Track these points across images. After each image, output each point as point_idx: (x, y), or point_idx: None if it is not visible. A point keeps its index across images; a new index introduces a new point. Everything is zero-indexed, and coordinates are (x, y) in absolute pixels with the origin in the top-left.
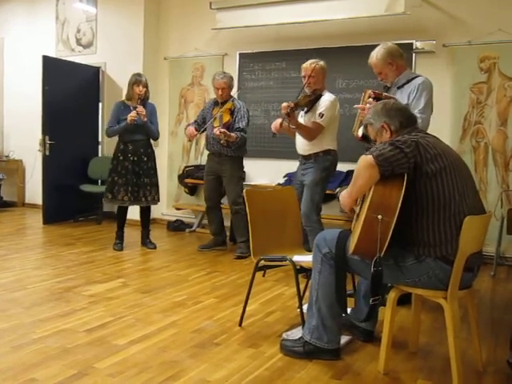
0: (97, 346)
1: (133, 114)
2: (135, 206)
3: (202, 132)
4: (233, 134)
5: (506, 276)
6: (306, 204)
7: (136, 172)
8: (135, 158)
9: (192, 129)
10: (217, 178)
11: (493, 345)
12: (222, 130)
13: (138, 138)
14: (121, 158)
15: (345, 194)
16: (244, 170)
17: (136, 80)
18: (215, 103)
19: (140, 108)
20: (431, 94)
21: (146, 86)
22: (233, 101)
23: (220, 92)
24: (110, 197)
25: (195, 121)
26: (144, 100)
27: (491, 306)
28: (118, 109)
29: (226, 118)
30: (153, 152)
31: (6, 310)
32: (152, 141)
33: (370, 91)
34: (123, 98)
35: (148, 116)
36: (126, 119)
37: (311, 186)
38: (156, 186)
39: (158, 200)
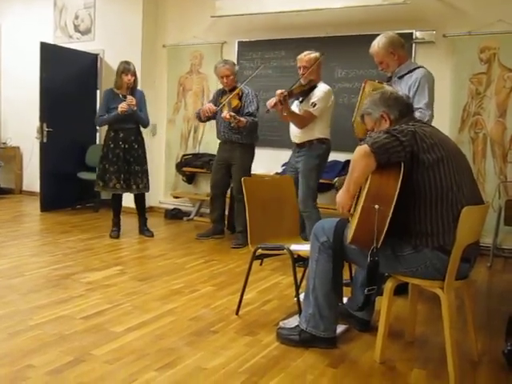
0: (94, 332)
1: (123, 105)
2: (130, 194)
3: (217, 109)
4: (242, 119)
5: (503, 267)
6: (302, 190)
7: (127, 160)
8: (126, 146)
9: (210, 104)
10: (226, 167)
11: (488, 335)
12: (232, 113)
13: (129, 126)
14: (111, 145)
15: (342, 192)
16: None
17: (124, 68)
18: (223, 92)
19: (129, 98)
20: (433, 88)
21: (134, 74)
22: (240, 87)
23: (225, 80)
24: (102, 184)
25: None
26: (133, 88)
27: (487, 297)
28: (108, 97)
29: (235, 102)
30: (142, 139)
31: (3, 297)
32: (142, 128)
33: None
34: None
35: (137, 104)
36: (116, 108)
37: (306, 172)
38: (146, 173)
39: (148, 188)
